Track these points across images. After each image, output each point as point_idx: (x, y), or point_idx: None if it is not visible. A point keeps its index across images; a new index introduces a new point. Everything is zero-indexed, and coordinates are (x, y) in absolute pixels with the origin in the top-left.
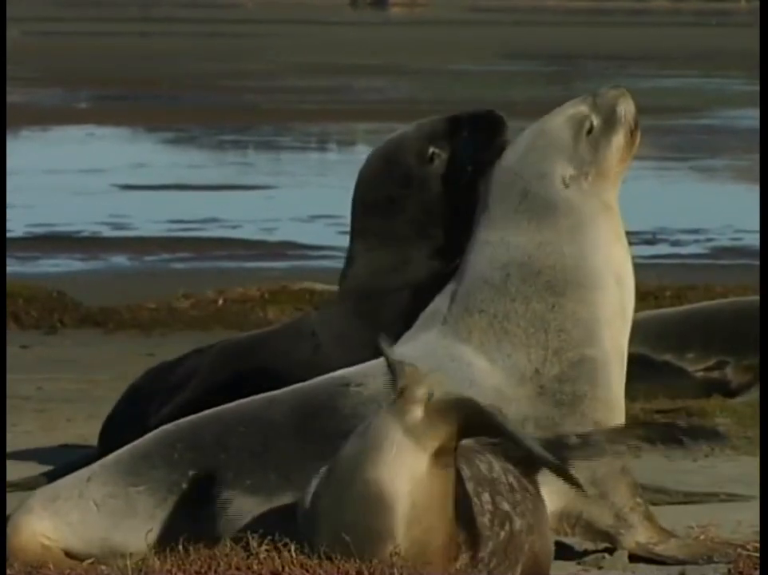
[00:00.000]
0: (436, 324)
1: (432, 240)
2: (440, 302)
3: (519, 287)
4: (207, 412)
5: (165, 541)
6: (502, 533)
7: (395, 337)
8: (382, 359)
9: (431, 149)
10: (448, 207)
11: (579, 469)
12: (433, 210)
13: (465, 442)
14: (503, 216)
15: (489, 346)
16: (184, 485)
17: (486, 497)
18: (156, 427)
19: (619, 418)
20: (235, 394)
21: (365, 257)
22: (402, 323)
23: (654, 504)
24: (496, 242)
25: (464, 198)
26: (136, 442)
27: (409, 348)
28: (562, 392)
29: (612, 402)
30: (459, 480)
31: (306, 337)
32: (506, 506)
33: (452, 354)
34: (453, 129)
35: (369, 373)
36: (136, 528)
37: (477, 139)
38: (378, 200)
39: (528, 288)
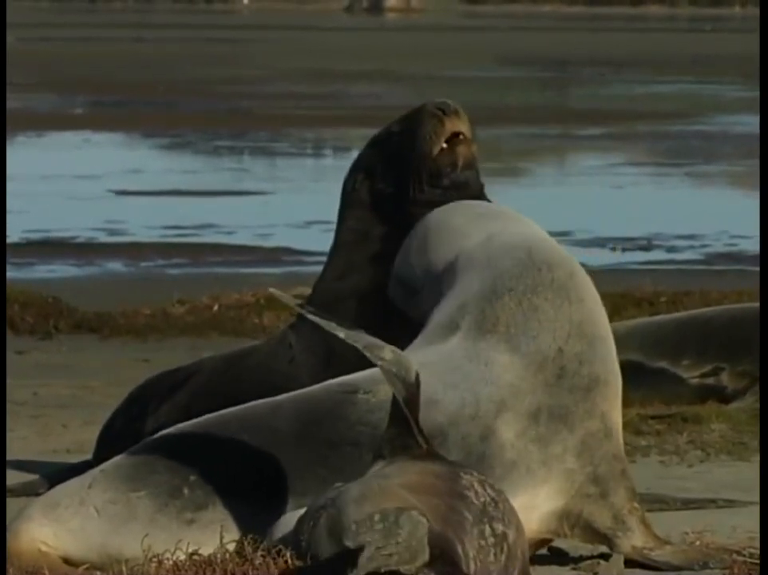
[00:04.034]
0: (453, 330)
1: (371, 246)
2: (450, 311)
3: (542, 255)
4: (211, 416)
5: (163, 547)
6: (503, 557)
7: (349, 346)
8: None
9: (354, 178)
10: (381, 221)
11: (582, 466)
12: (366, 221)
13: (448, 479)
14: (496, 218)
15: (516, 330)
16: (186, 491)
17: (487, 529)
18: (153, 430)
19: (619, 412)
20: (222, 403)
21: (329, 263)
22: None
23: (650, 511)
24: (503, 232)
25: (395, 212)
26: (137, 446)
27: (424, 355)
28: (580, 374)
29: (618, 392)
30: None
31: (285, 348)
32: (500, 527)
33: (470, 355)
34: (374, 158)
35: (379, 379)
36: (136, 533)
37: (394, 157)
38: (339, 210)
39: (550, 256)
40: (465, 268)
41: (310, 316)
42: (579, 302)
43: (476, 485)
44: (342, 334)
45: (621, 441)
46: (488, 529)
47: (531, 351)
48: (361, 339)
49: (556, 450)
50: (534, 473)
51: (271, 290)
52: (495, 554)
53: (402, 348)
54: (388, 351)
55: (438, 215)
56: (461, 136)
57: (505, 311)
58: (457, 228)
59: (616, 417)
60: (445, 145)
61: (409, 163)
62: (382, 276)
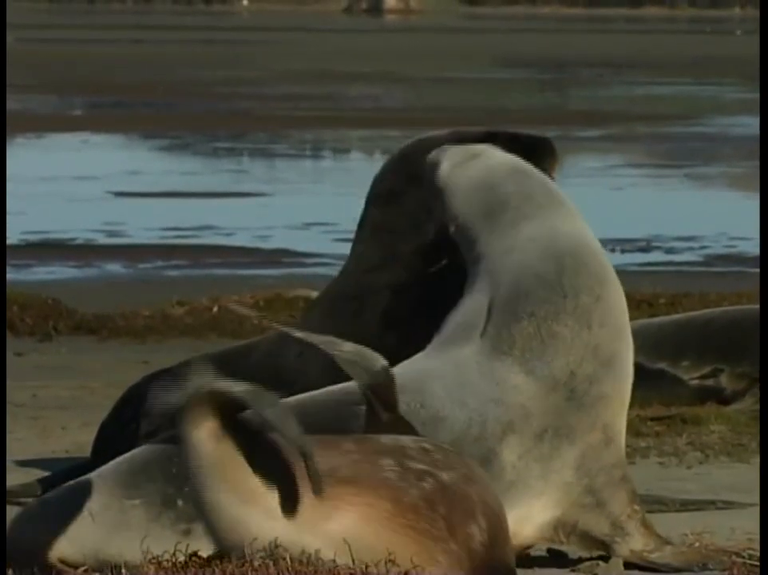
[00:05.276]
0: (470, 338)
1: (422, 237)
2: (473, 312)
3: (572, 279)
4: None
5: (160, 551)
6: (426, 485)
7: (373, 338)
8: (407, 376)
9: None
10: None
11: (579, 478)
12: (430, 210)
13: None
14: (547, 205)
15: (531, 356)
16: (179, 501)
17: (387, 461)
18: (148, 432)
19: (623, 419)
20: None
21: (355, 253)
22: (383, 324)
23: (650, 512)
24: (543, 236)
25: None
26: (134, 452)
27: (438, 363)
28: (589, 394)
29: (625, 401)
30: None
31: (292, 343)
32: (419, 466)
33: (483, 372)
34: (485, 141)
35: None
36: (130, 540)
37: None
38: (381, 191)
39: (580, 280)
40: (497, 270)
41: (275, 325)
42: (599, 327)
43: (407, 440)
44: (299, 335)
45: (622, 446)
46: (389, 461)
47: (544, 375)
48: (318, 339)
49: (555, 466)
50: (531, 487)
51: (231, 305)
52: (405, 479)
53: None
54: (348, 346)
55: (503, 174)
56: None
57: (523, 335)
58: (509, 210)
59: (619, 425)
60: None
61: None
62: (420, 270)
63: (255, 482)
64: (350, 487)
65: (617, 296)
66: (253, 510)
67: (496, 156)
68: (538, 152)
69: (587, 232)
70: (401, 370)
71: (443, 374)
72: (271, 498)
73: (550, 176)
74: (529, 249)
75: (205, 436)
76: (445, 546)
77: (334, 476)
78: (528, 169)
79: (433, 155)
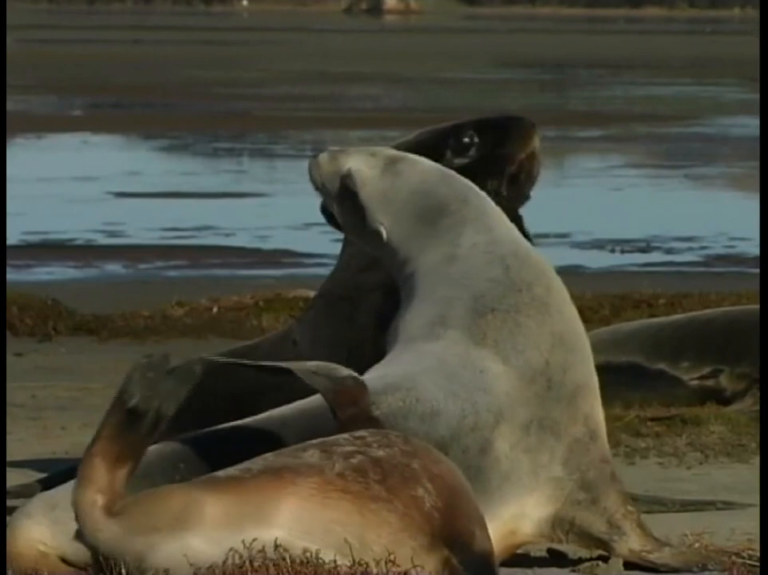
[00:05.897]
0: (441, 334)
1: None
2: (434, 313)
3: (521, 275)
4: (213, 429)
5: None
6: (353, 460)
7: (368, 339)
8: (396, 375)
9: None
10: None
11: (569, 473)
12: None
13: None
14: (481, 207)
15: (505, 345)
16: None
17: (310, 451)
18: None
19: (600, 409)
20: (225, 400)
21: (345, 255)
22: (377, 325)
23: (649, 512)
24: (485, 241)
25: None
26: None
27: (417, 360)
28: (564, 383)
29: (597, 391)
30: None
31: (289, 345)
32: (347, 448)
33: (464, 362)
34: (447, 138)
35: (381, 390)
36: None
37: (475, 148)
38: None
39: (528, 273)
40: (442, 279)
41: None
42: (558, 314)
43: (338, 436)
44: (257, 364)
45: (606, 442)
46: (311, 451)
47: (521, 365)
48: (275, 364)
49: (543, 460)
50: (523, 482)
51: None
52: (329, 459)
53: None
54: (310, 363)
55: (435, 178)
56: (536, 153)
57: (491, 327)
58: (449, 214)
59: (598, 417)
60: (523, 156)
61: (490, 160)
62: None
63: (177, 509)
64: (271, 479)
65: (561, 283)
66: (187, 535)
67: (420, 161)
68: (512, 132)
69: (515, 229)
70: (384, 371)
71: (428, 369)
72: (198, 512)
73: (533, 153)
74: (473, 256)
75: (97, 524)
76: (389, 506)
77: (252, 474)
78: (452, 173)
79: (328, 162)
